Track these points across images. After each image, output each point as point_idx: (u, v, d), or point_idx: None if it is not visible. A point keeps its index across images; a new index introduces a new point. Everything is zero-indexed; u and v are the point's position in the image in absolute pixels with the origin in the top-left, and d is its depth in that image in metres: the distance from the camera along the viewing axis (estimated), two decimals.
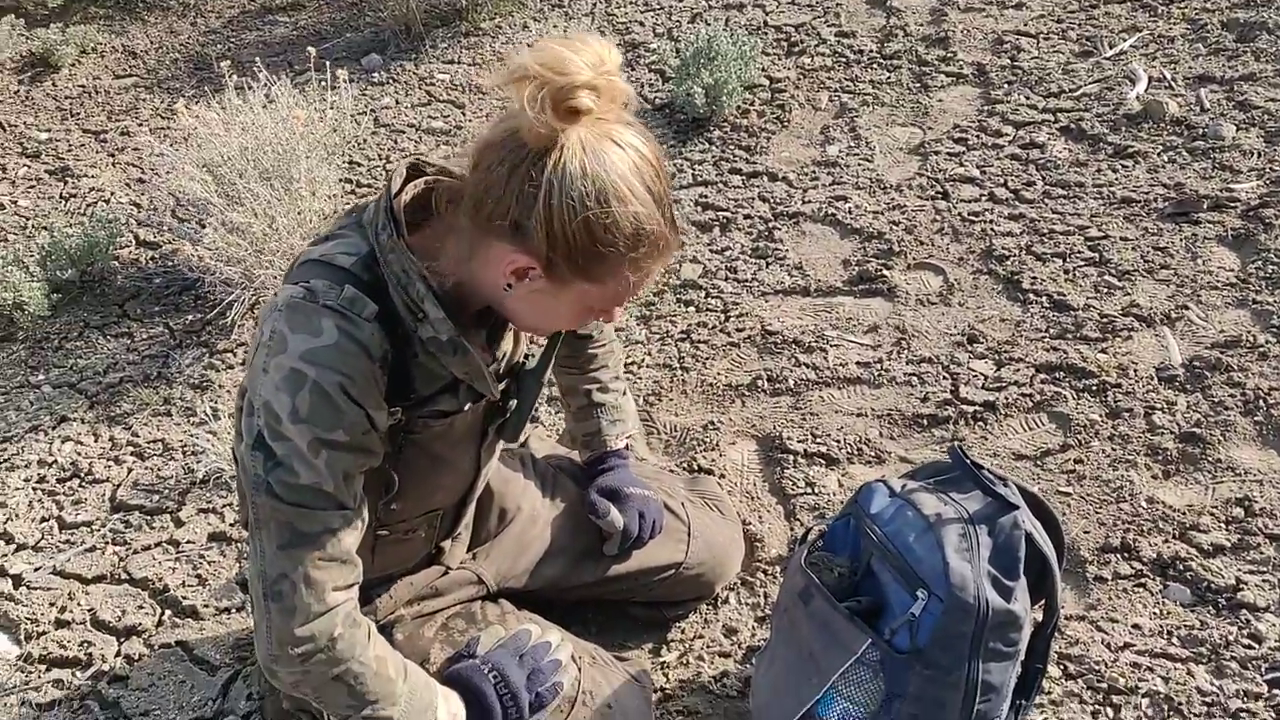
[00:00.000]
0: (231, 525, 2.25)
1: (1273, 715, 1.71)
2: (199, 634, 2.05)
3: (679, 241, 1.31)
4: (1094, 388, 2.30)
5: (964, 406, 2.31)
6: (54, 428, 2.59)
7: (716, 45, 3.36)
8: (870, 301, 2.66)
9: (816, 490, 2.19)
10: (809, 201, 3.00)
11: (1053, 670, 1.80)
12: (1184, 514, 2.03)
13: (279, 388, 1.25)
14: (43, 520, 2.34)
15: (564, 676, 1.58)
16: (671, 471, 2.18)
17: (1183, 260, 2.57)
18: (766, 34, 3.80)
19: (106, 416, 2.61)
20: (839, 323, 2.60)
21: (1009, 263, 2.66)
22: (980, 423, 2.28)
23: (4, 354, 2.88)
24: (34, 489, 2.42)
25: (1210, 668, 1.79)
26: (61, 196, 3.58)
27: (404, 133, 3.65)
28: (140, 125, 3.97)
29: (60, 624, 2.10)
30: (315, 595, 1.31)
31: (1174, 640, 1.84)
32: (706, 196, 3.09)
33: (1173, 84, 3.16)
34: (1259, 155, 2.82)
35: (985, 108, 3.25)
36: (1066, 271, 2.61)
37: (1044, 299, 2.55)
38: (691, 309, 2.72)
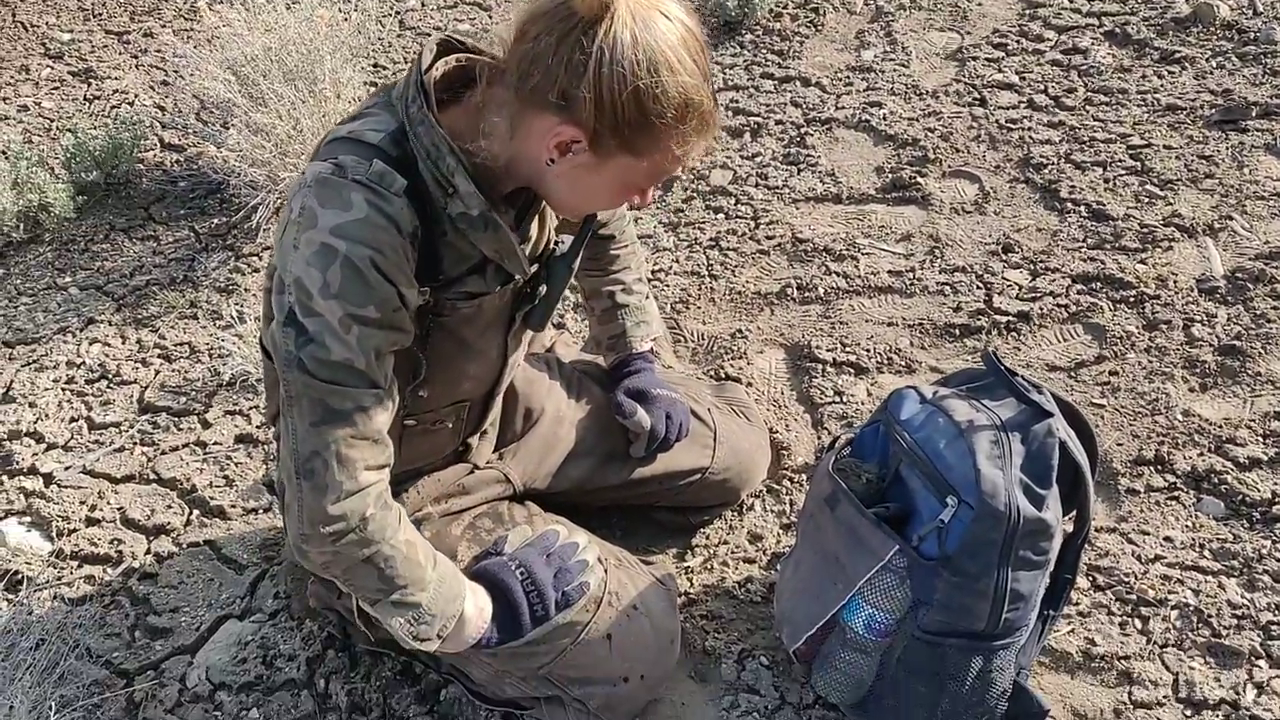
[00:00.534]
0: (258, 428, 2.25)
1: None
2: (226, 533, 2.06)
3: (720, 119, 1.29)
4: (1131, 299, 2.25)
5: (997, 316, 2.27)
6: (81, 329, 2.59)
7: None
8: (904, 209, 2.60)
9: (845, 399, 2.16)
10: (842, 107, 2.93)
11: (1081, 581, 1.78)
12: (1220, 427, 1.99)
13: (310, 263, 1.23)
14: (72, 420, 2.35)
15: (590, 577, 1.57)
16: (698, 378, 2.15)
17: (1228, 169, 2.50)
18: None
19: (133, 319, 2.61)
20: (871, 231, 2.55)
21: (1047, 171, 2.59)
22: (1014, 333, 2.24)
23: (31, 255, 2.87)
24: (63, 389, 2.43)
25: (1242, 581, 1.77)
26: (85, 98, 3.54)
27: (429, 35, 3.56)
28: (163, 26, 3.91)
29: (91, 522, 2.12)
30: (347, 473, 1.30)
31: (1205, 553, 1.82)
32: (737, 101, 3.02)
33: None
34: None
35: (1026, 12, 3.14)
36: (1106, 180, 2.54)
37: (1082, 208, 2.49)
38: (720, 216, 2.67)
